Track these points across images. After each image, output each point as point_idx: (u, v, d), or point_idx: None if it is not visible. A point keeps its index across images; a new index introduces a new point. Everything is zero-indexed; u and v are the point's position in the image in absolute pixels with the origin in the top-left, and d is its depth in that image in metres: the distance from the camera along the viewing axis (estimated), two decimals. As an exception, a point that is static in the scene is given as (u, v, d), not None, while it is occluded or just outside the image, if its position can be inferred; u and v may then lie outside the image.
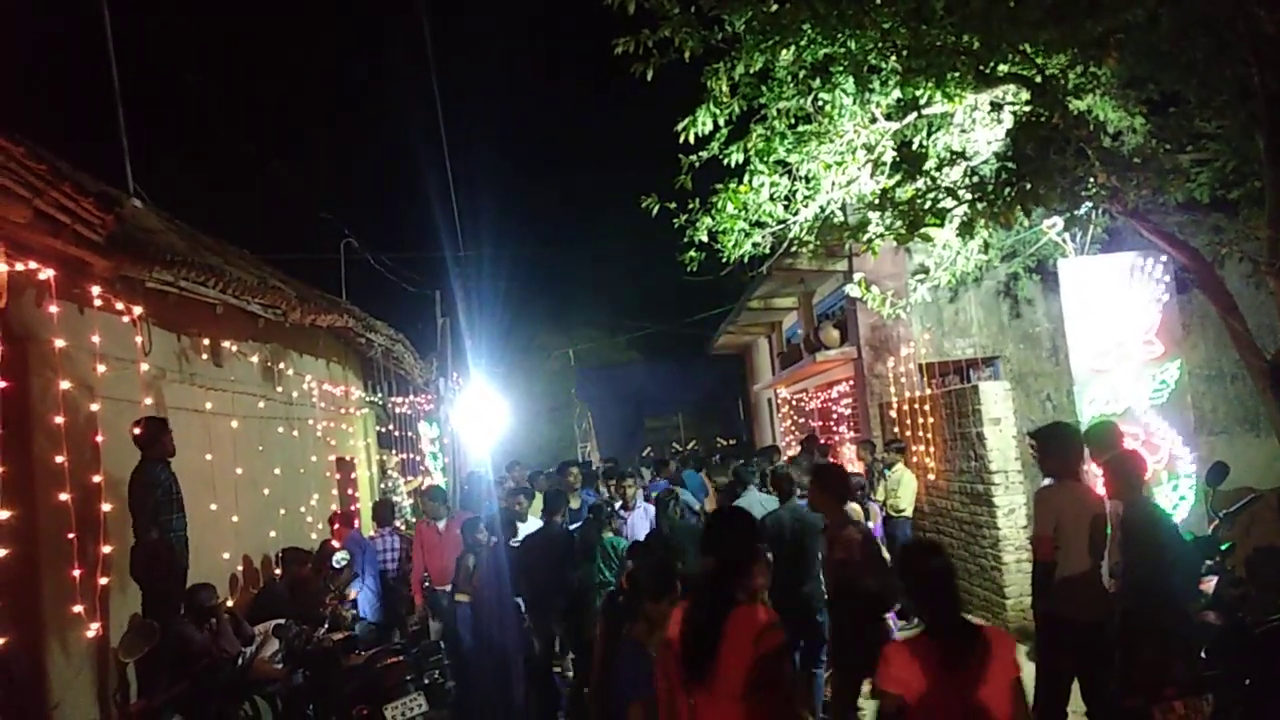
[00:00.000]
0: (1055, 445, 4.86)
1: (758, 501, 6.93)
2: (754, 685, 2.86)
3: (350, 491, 10.64)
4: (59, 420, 4.64)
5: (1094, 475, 5.42)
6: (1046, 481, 4.88)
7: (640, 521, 7.96)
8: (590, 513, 7.17)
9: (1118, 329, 7.21)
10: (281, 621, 6.08)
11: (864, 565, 5.07)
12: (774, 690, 2.90)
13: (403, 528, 10.18)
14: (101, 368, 5.17)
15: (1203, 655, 4.83)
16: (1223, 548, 5.70)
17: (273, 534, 7.62)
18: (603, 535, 6.79)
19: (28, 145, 4.24)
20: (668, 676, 3.10)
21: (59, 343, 4.70)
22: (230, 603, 6.41)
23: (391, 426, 13.00)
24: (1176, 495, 6.92)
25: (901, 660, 2.94)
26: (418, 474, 13.06)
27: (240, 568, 6.95)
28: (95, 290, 5.16)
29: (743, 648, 2.88)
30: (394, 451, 13.05)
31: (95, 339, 5.14)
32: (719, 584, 3.05)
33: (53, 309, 4.67)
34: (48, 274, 4.58)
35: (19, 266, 4.40)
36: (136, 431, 5.23)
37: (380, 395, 12.59)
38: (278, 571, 7.18)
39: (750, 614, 2.96)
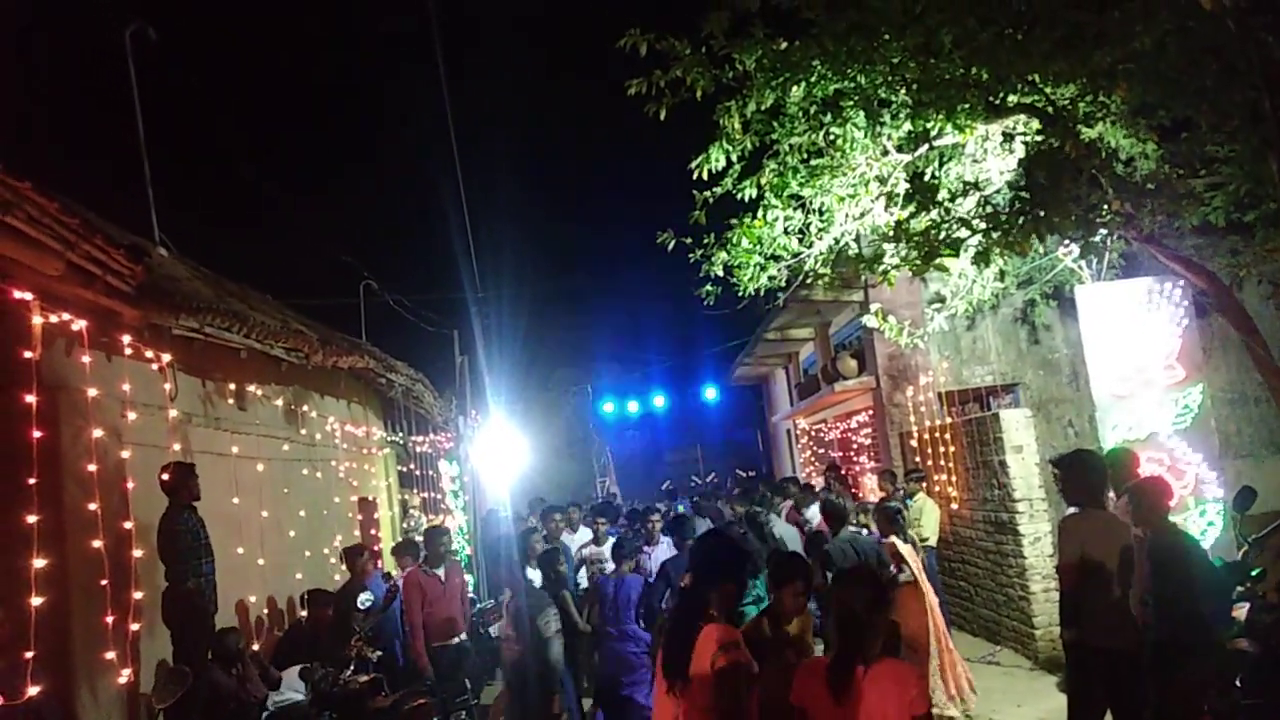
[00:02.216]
0: (1079, 473, 4.84)
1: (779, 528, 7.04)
2: (717, 700, 2.98)
3: (373, 531, 10.66)
4: (91, 468, 4.71)
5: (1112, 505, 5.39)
6: (1071, 510, 4.86)
7: (663, 555, 7.95)
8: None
9: (1138, 354, 7.18)
10: (308, 665, 6.10)
11: None
12: (725, 707, 3.00)
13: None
14: (131, 415, 5.25)
15: (1237, 684, 4.76)
16: (1253, 573, 5.62)
17: (299, 576, 7.65)
18: None
19: (61, 200, 4.36)
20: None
21: (91, 392, 4.79)
22: (256, 646, 6.44)
23: (412, 465, 13.04)
24: (1204, 521, 6.85)
25: (804, 676, 3.17)
26: (439, 513, 13.06)
27: (266, 611, 6.98)
28: (125, 339, 5.26)
29: (703, 663, 3.04)
30: (415, 491, 13.08)
31: (125, 387, 5.23)
32: (693, 600, 3.24)
33: (85, 359, 4.77)
34: (80, 324, 4.67)
35: (52, 318, 4.50)
36: (164, 477, 5.29)
37: (401, 435, 12.65)
38: (303, 613, 7.20)
39: (713, 632, 3.10)
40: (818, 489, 11.20)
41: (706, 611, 3.17)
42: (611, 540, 7.95)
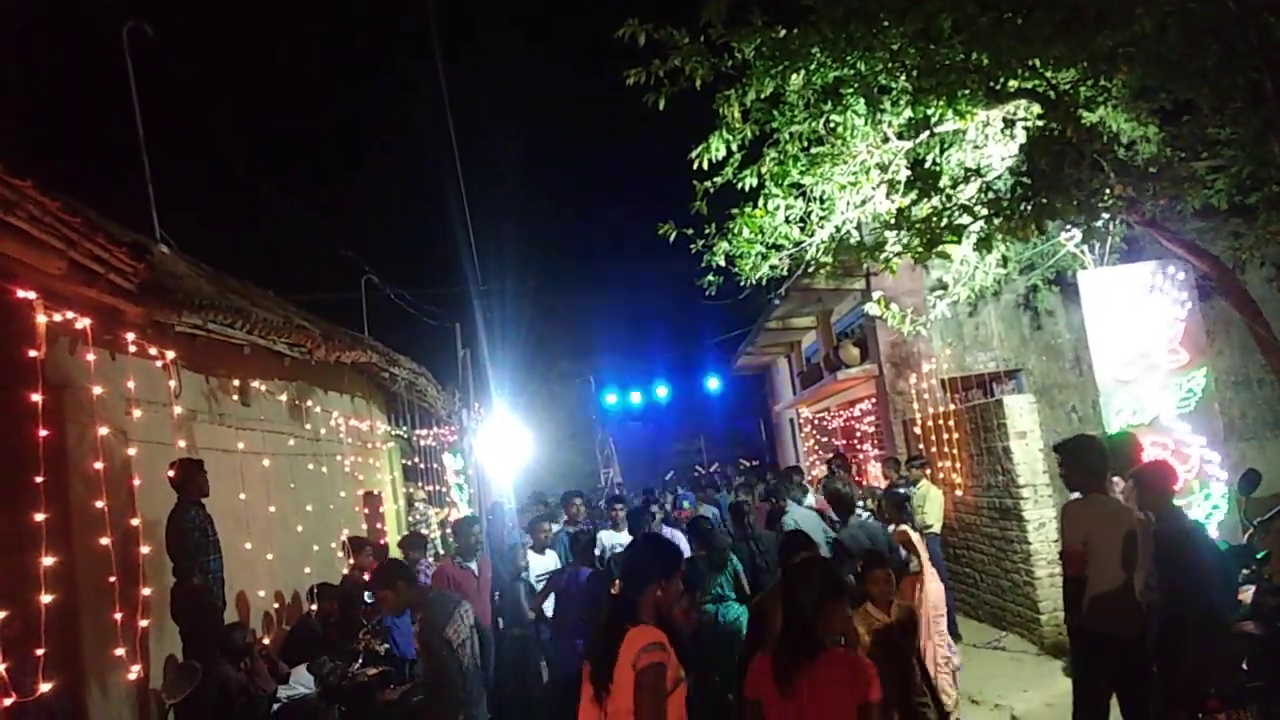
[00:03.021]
0: (1080, 458, 4.83)
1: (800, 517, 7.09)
2: (637, 701, 2.93)
3: (378, 525, 10.69)
4: (97, 465, 4.72)
5: (1117, 490, 5.38)
6: (1074, 495, 4.86)
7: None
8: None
9: (1141, 339, 7.16)
10: (316, 659, 6.12)
11: None
12: (645, 709, 2.94)
13: (433, 560, 10.19)
14: (136, 412, 5.27)
15: (1243, 666, 4.77)
16: (1258, 556, 5.63)
17: (306, 570, 7.68)
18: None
19: (62, 198, 4.36)
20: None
21: (95, 389, 4.80)
22: (265, 640, 6.47)
23: (417, 459, 13.07)
24: (1209, 504, 6.85)
25: (756, 671, 3.17)
26: (444, 506, 13.10)
27: (275, 605, 7.01)
28: (129, 337, 5.27)
29: (625, 665, 2.98)
30: (420, 484, 13.13)
31: (130, 384, 5.24)
32: (622, 606, 3.17)
33: (89, 357, 4.78)
34: (84, 323, 4.68)
35: (56, 317, 4.50)
36: (171, 474, 5.32)
37: (405, 428, 12.68)
38: (312, 608, 7.23)
39: (638, 634, 3.04)
40: (820, 479, 11.22)
41: (636, 616, 3.09)
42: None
